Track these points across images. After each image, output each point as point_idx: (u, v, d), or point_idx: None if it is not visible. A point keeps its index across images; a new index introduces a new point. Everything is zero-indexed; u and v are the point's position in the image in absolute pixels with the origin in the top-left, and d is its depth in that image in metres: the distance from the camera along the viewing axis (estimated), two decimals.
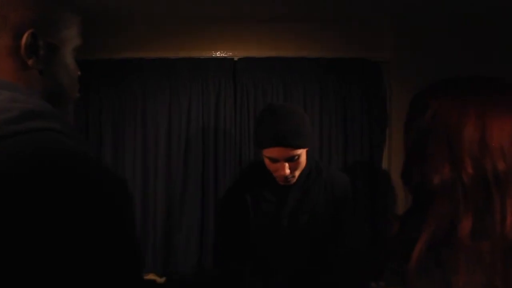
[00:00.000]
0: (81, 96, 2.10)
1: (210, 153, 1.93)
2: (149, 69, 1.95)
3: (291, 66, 1.94)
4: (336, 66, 1.95)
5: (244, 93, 1.94)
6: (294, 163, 1.24)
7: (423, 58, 1.91)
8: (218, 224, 1.79)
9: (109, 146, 1.94)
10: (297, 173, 1.28)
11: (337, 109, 1.95)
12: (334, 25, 1.97)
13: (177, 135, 1.94)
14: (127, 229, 0.54)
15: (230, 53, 1.96)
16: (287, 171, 1.22)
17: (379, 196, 1.96)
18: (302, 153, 1.25)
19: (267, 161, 1.27)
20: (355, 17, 1.94)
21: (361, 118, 1.96)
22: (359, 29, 1.98)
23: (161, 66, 1.95)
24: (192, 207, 1.92)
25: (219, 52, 1.96)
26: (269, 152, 1.23)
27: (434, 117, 0.62)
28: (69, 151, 0.53)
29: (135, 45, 1.96)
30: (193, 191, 1.92)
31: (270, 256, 1.34)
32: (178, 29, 1.98)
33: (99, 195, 0.50)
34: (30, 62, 0.61)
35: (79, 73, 0.73)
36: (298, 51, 1.95)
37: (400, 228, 0.62)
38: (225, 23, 1.96)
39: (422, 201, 0.61)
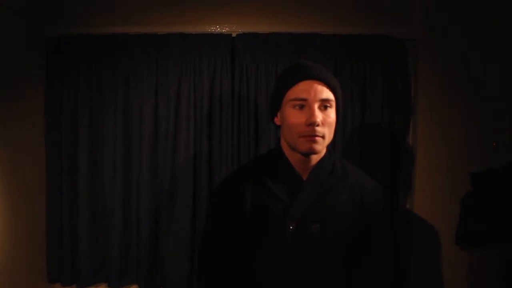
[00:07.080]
0: (54, 79, 1.84)
1: (202, 147, 1.71)
2: (133, 47, 1.72)
3: (300, 43, 1.70)
4: (354, 44, 1.71)
5: (244, 75, 1.70)
6: (324, 115, 0.98)
7: (457, 35, 1.67)
8: (207, 224, 1.20)
9: (85, 136, 1.74)
10: (326, 136, 0.99)
11: (354, 95, 1.71)
12: None
13: (164, 125, 1.72)
14: None
15: (228, 28, 1.73)
16: (319, 116, 0.95)
17: (400, 198, 1.70)
18: (333, 110, 1.01)
19: (290, 112, 0.99)
20: None
21: (382, 105, 1.72)
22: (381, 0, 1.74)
23: (147, 43, 1.73)
24: (182, 208, 1.70)
25: (214, 27, 1.73)
26: (295, 91, 0.98)
27: None
28: None
29: (117, 18, 1.76)
30: (183, 190, 1.70)
31: (270, 276, 1.04)
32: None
33: None
34: None
35: None
36: (309, 26, 1.72)
37: None
38: None
39: None
